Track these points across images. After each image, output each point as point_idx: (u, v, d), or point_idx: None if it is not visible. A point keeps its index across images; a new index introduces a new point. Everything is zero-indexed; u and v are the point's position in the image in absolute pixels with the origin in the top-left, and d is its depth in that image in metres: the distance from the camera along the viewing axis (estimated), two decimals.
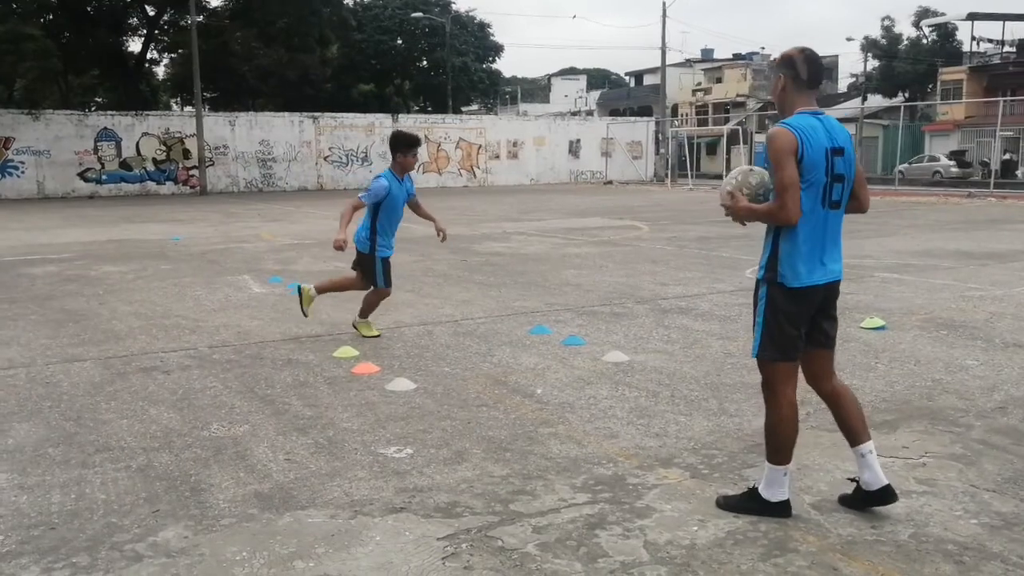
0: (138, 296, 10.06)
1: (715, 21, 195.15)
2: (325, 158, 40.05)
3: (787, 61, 3.72)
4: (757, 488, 3.83)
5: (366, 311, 7.77)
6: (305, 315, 7.92)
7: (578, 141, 46.44)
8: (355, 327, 7.77)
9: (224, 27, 47.73)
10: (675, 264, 12.28)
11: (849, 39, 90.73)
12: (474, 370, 6.43)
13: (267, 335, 7.80)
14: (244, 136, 38.39)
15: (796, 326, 3.73)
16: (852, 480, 3.91)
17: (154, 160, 37.09)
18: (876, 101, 60.95)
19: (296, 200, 31.48)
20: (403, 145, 7.42)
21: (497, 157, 43.70)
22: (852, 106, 58.27)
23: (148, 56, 50.01)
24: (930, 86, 60.58)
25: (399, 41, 57.80)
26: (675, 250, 14.15)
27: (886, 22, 64.44)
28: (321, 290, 7.94)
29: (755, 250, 13.53)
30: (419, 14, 53.56)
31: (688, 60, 77.02)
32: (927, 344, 7.10)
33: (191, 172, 37.28)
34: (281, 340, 7.59)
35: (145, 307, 9.34)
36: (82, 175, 35.60)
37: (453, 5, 58.91)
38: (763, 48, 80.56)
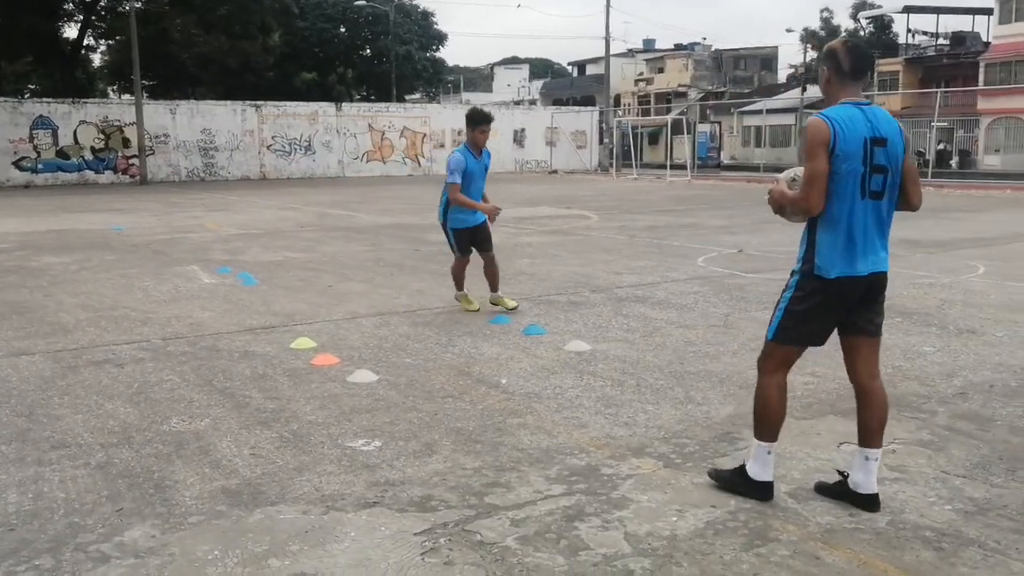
0: (84, 287, 9.78)
1: (657, 11, 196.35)
2: (268, 147, 39.37)
3: (830, 53, 3.72)
4: (745, 464, 3.88)
5: (456, 283, 8.22)
6: (476, 309, 8.14)
7: (523, 130, 46.35)
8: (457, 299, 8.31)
9: (163, 13, 46.67)
10: (627, 253, 12.30)
11: (789, 30, 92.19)
12: (436, 361, 6.36)
13: (221, 326, 7.63)
14: (185, 124, 37.56)
15: (824, 317, 3.72)
16: (840, 473, 3.90)
17: (92, 149, 36.06)
18: (815, 91, 61.85)
19: (239, 190, 30.94)
20: (471, 122, 7.83)
21: (442, 146, 43.35)
22: (792, 96, 59.10)
23: (85, 42, 48.71)
24: (867, 77, 61.63)
25: (342, 29, 57.14)
26: (626, 239, 14.19)
27: (825, 14, 65.65)
28: (459, 287, 8.27)
29: (704, 239, 13.69)
30: (362, 2, 53.00)
31: (630, 50, 77.47)
32: (884, 332, 7.18)
33: (131, 161, 36.35)
34: (236, 331, 7.43)
35: (92, 299, 9.08)
36: (16, 164, 34.44)
37: None
38: (704, 39, 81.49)
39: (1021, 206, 20.49)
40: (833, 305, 3.71)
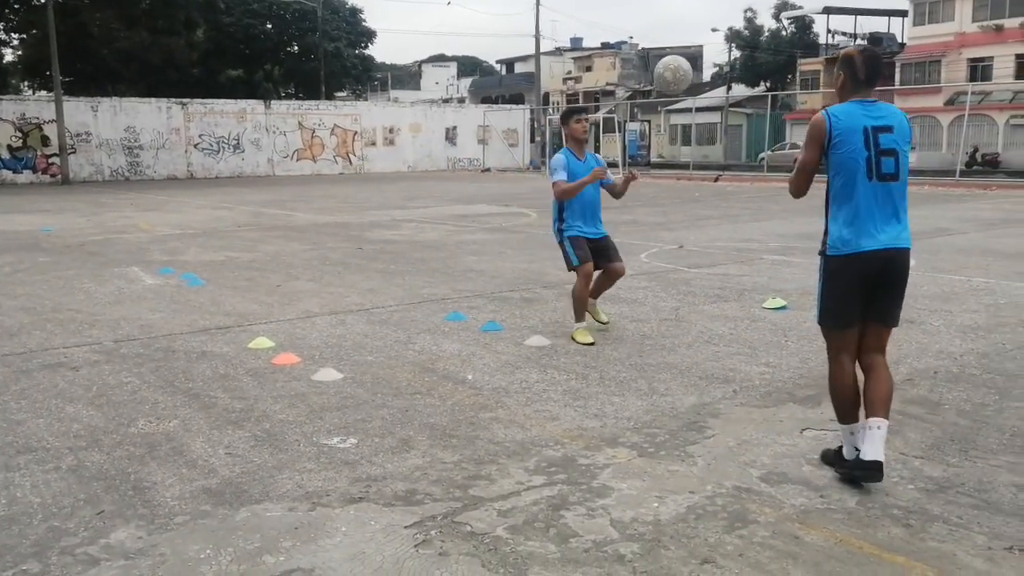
0: (20, 290, 9.54)
1: (585, 10, 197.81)
2: (195, 145, 38.70)
3: (847, 60, 3.98)
4: (842, 450, 4.08)
5: (576, 311, 6.93)
6: (604, 322, 7.22)
7: (454, 128, 46.38)
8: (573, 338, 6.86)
9: (81, 7, 45.35)
10: None
11: (714, 30, 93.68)
12: (398, 358, 6.39)
13: (173, 328, 7.53)
14: (108, 122, 36.70)
15: (847, 296, 3.96)
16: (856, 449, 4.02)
17: (9, 147, 35.03)
18: (740, 90, 63.07)
19: (168, 189, 30.35)
20: (564, 116, 7.06)
21: (373, 144, 43.19)
22: (717, 95, 60.19)
23: None
24: (789, 76, 63.09)
25: (268, 25, 56.24)
26: None
27: (748, 14, 66.67)
28: (581, 315, 6.96)
29: (644, 236, 13.92)
30: None
31: (558, 48, 77.94)
32: None
33: (51, 160, 35.39)
34: (189, 332, 7.35)
35: (31, 301, 8.86)
36: None
37: None
38: (631, 37, 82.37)
39: (939, 202, 21.25)
40: (852, 283, 3.95)
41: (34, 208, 21.72)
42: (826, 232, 4.02)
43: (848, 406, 4.04)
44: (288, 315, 8.00)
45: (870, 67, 3.94)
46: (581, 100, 68.32)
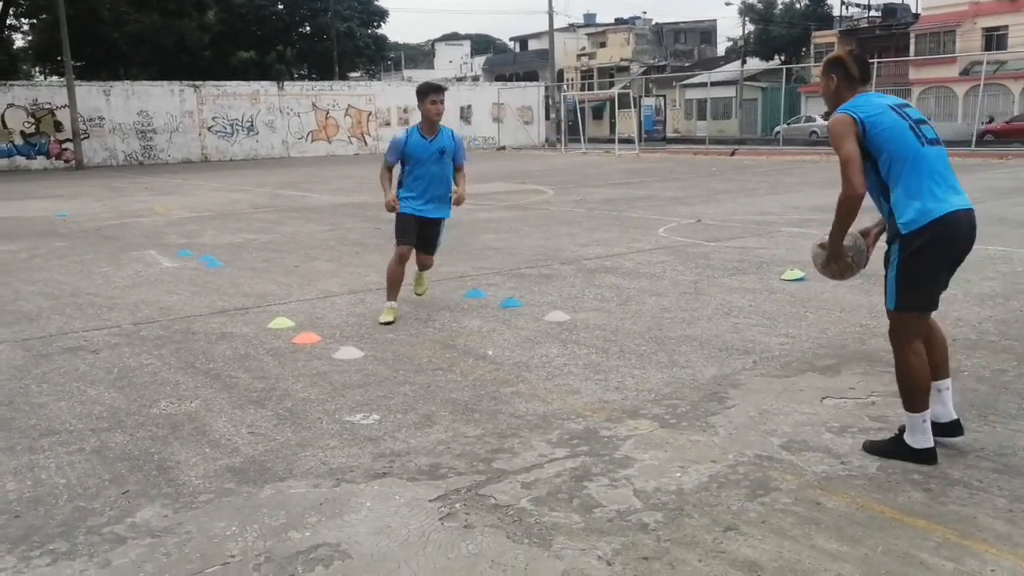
0: (39, 275, 9.59)
1: None
2: (209, 128, 38.76)
3: (837, 62, 3.97)
4: (902, 435, 3.90)
5: (388, 290, 6.96)
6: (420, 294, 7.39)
7: (469, 107, 46.23)
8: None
9: None
10: (588, 226, 12.42)
11: (728, 3, 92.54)
12: (419, 335, 6.40)
13: (192, 310, 7.56)
14: (121, 107, 36.77)
15: (937, 270, 3.76)
16: (900, 430, 3.97)
17: (22, 133, 35.13)
18: (754, 64, 62.57)
19: (182, 172, 30.42)
20: (419, 91, 6.75)
21: (388, 124, 43.09)
22: (731, 69, 59.72)
23: (7, 22, 47.10)
24: (804, 49, 62.52)
25: (280, 6, 56.11)
26: (585, 212, 14.30)
27: None
28: (391, 294, 6.95)
29: (661, 210, 13.86)
30: None
31: (572, 25, 77.48)
32: (846, 293, 7.40)
33: (64, 145, 35.51)
34: (208, 314, 7.37)
35: (50, 286, 8.91)
36: None
37: None
38: (644, 12, 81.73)
39: (956, 172, 21.01)
40: (945, 252, 3.73)
41: (48, 194, 21.82)
42: (892, 216, 3.76)
43: (924, 392, 3.83)
44: (307, 295, 8.01)
45: (861, 63, 3.94)
46: (596, 76, 67.95)
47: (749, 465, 3.86)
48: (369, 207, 15.80)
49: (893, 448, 3.92)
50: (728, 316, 6.68)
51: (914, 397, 3.83)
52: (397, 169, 6.95)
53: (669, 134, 55.43)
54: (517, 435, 4.32)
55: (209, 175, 28.36)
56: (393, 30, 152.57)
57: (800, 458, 3.93)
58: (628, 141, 39.80)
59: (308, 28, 58.22)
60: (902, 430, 3.93)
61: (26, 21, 51.31)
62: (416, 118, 6.97)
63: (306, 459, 4.12)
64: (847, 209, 3.80)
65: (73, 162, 34.98)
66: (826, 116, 4.17)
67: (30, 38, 54.23)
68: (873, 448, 4.00)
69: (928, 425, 3.85)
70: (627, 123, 45.77)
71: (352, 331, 6.59)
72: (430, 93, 6.68)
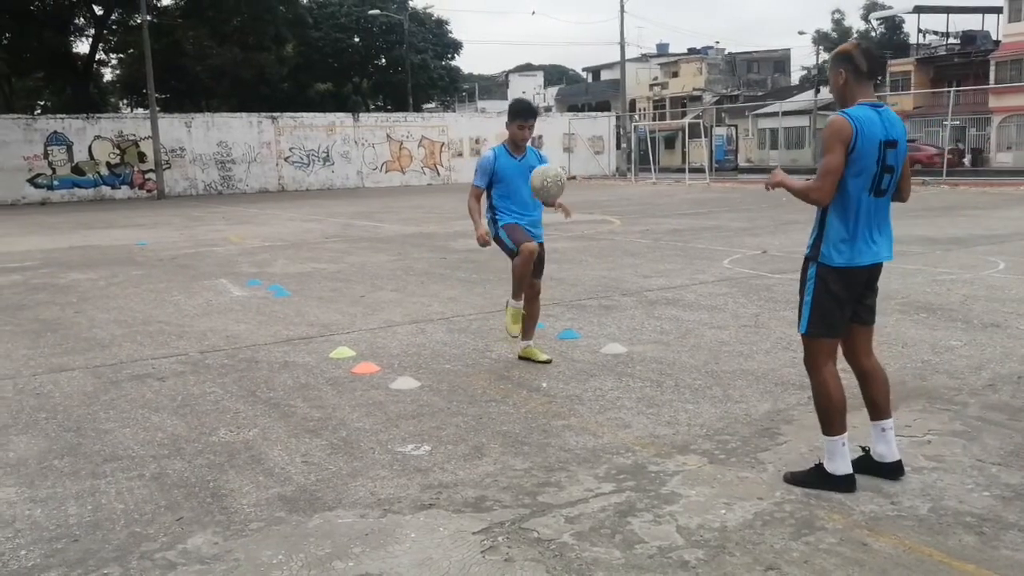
0: (114, 303, 9.92)
1: (670, 16, 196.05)
2: (286, 159, 39.66)
3: (845, 56, 3.91)
4: (822, 463, 3.98)
5: (515, 289, 6.42)
6: (513, 335, 6.60)
7: (540, 137, 46.36)
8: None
9: (176, 26, 47.07)
10: (652, 257, 12.38)
11: (801, 32, 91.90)
12: (475, 366, 6.46)
13: (257, 338, 7.75)
14: (201, 138, 37.87)
15: (841, 305, 3.91)
16: (862, 448, 4.14)
17: (108, 164, 36.38)
18: (828, 93, 61.75)
19: (259, 202, 31.19)
20: (509, 113, 6.50)
21: (460, 155, 43.59)
22: (805, 99, 59.01)
23: (96, 57, 49.10)
24: (880, 77, 61.43)
25: (356, 39, 57.47)
26: (650, 243, 14.26)
27: (836, 15, 65.72)
28: (519, 293, 6.46)
29: (728, 241, 13.74)
30: (376, 11, 53.24)
31: (644, 55, 77.49)
32: (910, 327, 7.25)
33: (147, 176, 36.66)
34: (273, 343, 7.54)
35: (124, 314, 9.21)
36: (32, 181, 34.71)
37: (410, 2, 58.61)
38: (717, 42, 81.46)
39: None
40: (850, 291, 3.91)
41: (130, 223, 22.57)
42: (820, 240, 3.90)
43: (841, 415, 3.95)
44: (370, 324, 8.14)
45: (870, 58, 3.87)
46: (668, 106, 67.81)
47: (796, 503, 3.81)
48: (437, 237, 15.99)
49: (812, 478, 3.98)
50: (787, 350, 6.58)
51: (831, 419, 3.94)
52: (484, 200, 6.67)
53: (742, 163, 54.88)
54: (565, 469, 4.33)
55: (284, 205, 29.00)
56: (467, 62, 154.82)
57: (848, 497, 3.86)
58: (699, 170, 39.55)
59: (384, 60, 59.44)
60: (819, 465, 4.01)
61: (114, 56, 53.39)
62: (487, 146, 6.89)
63: (356, 489, 4.18)
64: (805, 199, 3.92)
65: (155, 192, 36.08)
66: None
67: (118, 72, 56.47)
68: (794, 479, 4.04)
69: (847, 449, 3.93)
70: (698, 152, 45.47)
71: (411, 361, 6.68)
72: (520, 116, 6.43)
